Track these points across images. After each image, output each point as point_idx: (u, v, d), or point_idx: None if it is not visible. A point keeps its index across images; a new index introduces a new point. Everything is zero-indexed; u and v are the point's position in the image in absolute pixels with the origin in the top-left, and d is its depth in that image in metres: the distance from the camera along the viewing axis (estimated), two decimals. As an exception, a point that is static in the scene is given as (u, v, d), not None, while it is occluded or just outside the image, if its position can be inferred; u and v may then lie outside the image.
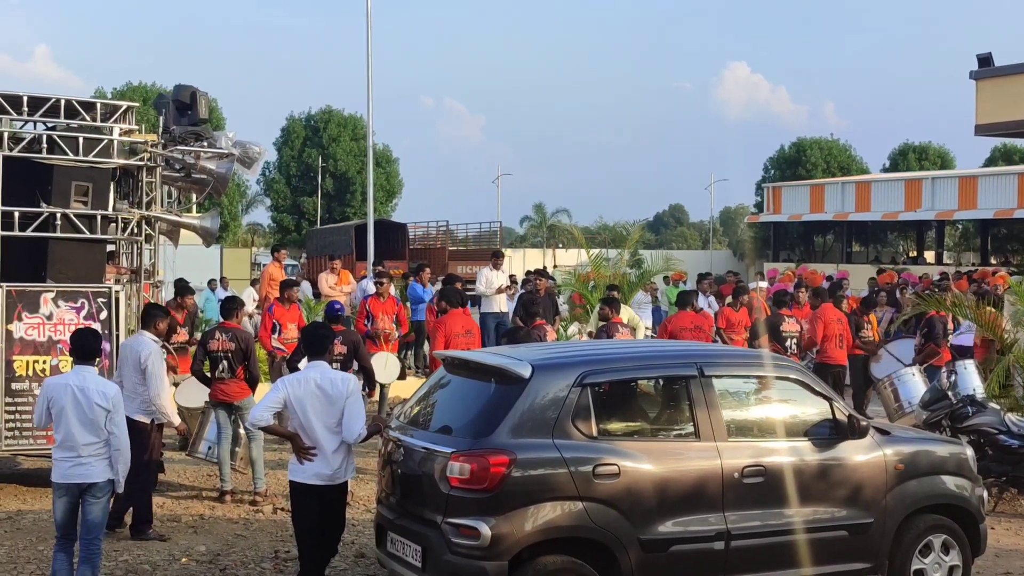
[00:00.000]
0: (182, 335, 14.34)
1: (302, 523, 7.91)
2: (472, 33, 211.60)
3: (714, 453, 7.47)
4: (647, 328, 19.23)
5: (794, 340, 14.56)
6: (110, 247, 12.42)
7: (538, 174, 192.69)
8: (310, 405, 7.73)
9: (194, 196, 13.91)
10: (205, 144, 12.52)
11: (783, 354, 13.80)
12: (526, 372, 7.31)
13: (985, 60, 23.68)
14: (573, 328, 18.00)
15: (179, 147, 12.32)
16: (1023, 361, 12.42)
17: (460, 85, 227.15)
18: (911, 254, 57.04)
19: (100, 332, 9.42)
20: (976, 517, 8.44)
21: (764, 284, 19.49)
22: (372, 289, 17.18)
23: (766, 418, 8.13)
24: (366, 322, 15.19)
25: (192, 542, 9.75)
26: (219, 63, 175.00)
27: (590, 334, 15.81)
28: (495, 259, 19.45)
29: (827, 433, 7.95)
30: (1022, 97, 23.01)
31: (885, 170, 70.76)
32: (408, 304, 18.54)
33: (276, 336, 14.24)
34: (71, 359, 8.14)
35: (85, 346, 7.88)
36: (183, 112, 12.52)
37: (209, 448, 11.60)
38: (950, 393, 11.88)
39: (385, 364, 14.04)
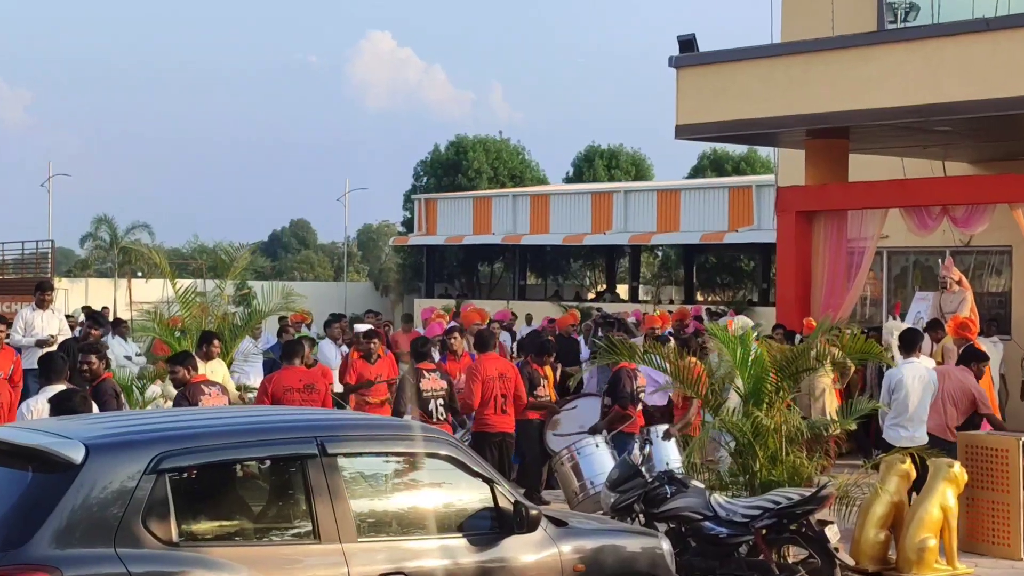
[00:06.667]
0: None
1: None
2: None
3: (339, 559, 7.54)
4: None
5: (440, 401, 14.66)
6: None
7: (108, 176, 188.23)
8: None
9: None
10: None
11: (429, 422, 13.91)
12: (77, 455, 7.13)
13: (687, 44, 23.09)
14: (153, 390, 17.42)
15: None
16: (732, 426, 12.62)
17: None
18: (600, 288, 59.64)
19: None
20: (674, 626, 8.90)
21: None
22: None
23: (410, 509, 8.28)
24: None
25: None
26: None
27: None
28: (40, 294, 18.67)
29: (488, 526, 8.19)
30: (730, 91, 23.16)
31: (568, 180, 73.53)
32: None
33: None
34: None
35: None
36: None
37: None
38: (643, 468, 12.32)
39: None
